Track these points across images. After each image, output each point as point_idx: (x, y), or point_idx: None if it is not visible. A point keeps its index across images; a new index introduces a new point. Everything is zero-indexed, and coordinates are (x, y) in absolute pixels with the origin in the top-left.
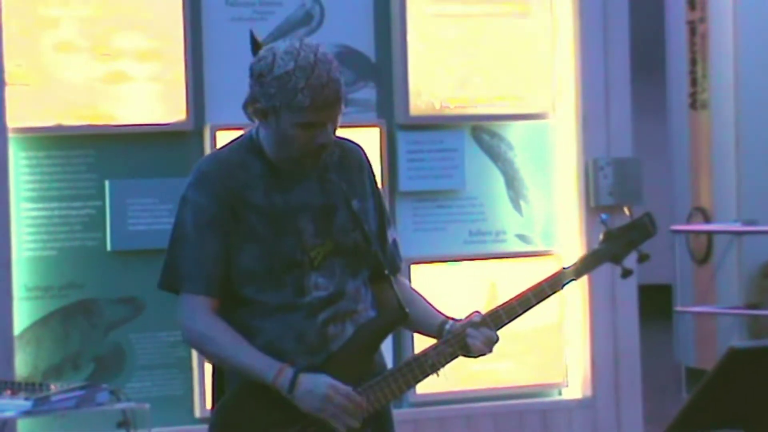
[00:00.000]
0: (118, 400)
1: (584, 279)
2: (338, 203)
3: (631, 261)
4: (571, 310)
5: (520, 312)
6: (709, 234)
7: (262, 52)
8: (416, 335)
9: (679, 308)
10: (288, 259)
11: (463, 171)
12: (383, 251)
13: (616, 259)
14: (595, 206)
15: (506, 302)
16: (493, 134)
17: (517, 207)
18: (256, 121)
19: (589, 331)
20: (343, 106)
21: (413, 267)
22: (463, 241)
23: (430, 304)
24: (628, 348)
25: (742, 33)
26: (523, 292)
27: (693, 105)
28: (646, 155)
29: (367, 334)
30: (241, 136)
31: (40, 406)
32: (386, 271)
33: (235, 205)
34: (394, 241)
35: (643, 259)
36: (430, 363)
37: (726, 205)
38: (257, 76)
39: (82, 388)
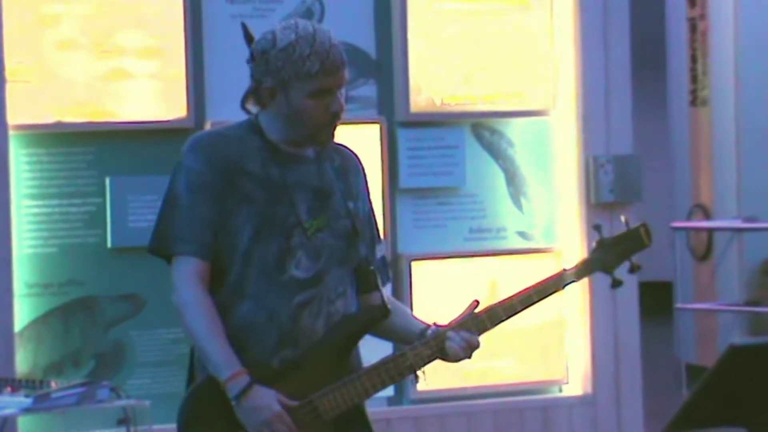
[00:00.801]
0: (119, 397)
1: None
2: (334, 191)
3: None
4: (572, 307)
5: (504, 317)
6: (710, 231)
7: (260, 35)
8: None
9: (679, 305)
10: (280, 221)
11: (463, 168)
12: (372, 259)
13: (608, 269)
14: (595, 203)
15: (490, 306)
16: (494, 131)
17: (517, 204)
18: (255, 113)
19: (590, 328)
20: (348, 72)
21: (414, 264)
22: (464, 238)
23: (414, 316)
24: (628, 345)
25: (743, 30)
26: (510, 297)
27: (693, 102)
28: (646, 152)
29: (345, 328)
30: (240, 120)
31: (41, 403)
32: (372, 267)
33: (230, 171)
34: (383, 258)
35: (635, 269)
36: (408, 364)
37: (726, 202)
38: (261, 54)
39: (82, 385)
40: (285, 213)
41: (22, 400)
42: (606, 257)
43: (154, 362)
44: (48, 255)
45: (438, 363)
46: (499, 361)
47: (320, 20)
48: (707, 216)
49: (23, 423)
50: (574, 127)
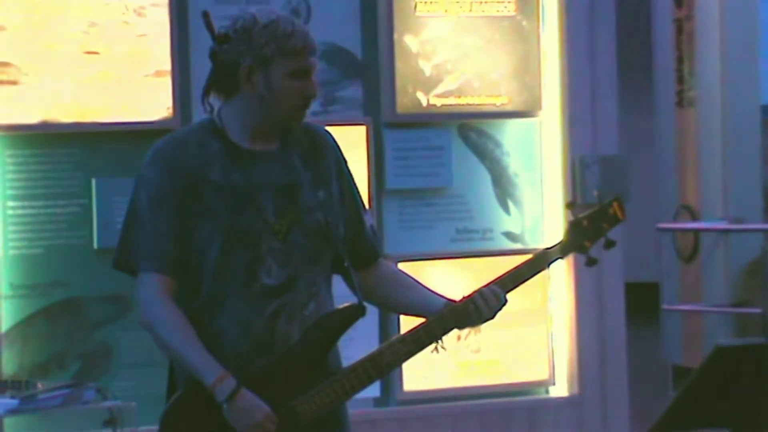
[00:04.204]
0: (105, 398)
1: (571, 277)
2: (302, 184)
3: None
4: (558, 307)
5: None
6: (696, 232)
7: (234, 18)
8: (407, 318)
9: (666, 306)
10: (246, 230)
11: (450, 169)
12: (360, 236)
13: (583, 249)
14: (581, 204)
15: (469, 295)
16: (480, 132)
17: (504, 205)
18: (216, 109)
19: (576, 329)
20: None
21: (400, 265)
22: (450, 239)
23: (428, 288)
24: (614, 346)
25: (729, 31)
26: (486, 285)
27: (680, 103)
28: (632, 153)
29: (320, 332)
30: (200, 120)
31: (27, 404)
32: (347, 263)
33: (192, 182)
34: (372, 227)
35: (609, 245)
36: (386, 362)
37: (712, 203)
38: (243, 32)
39: (68, 386)
40: (251, 220)
41: (8, 401)
42: (581, 237)
43: (140, 363)
44: (34, 256)
45: (432, 362)
46: (485, 362)
47: (306, 21)
48: (693, 217)
49: (9, 424)
50: (561, 128)
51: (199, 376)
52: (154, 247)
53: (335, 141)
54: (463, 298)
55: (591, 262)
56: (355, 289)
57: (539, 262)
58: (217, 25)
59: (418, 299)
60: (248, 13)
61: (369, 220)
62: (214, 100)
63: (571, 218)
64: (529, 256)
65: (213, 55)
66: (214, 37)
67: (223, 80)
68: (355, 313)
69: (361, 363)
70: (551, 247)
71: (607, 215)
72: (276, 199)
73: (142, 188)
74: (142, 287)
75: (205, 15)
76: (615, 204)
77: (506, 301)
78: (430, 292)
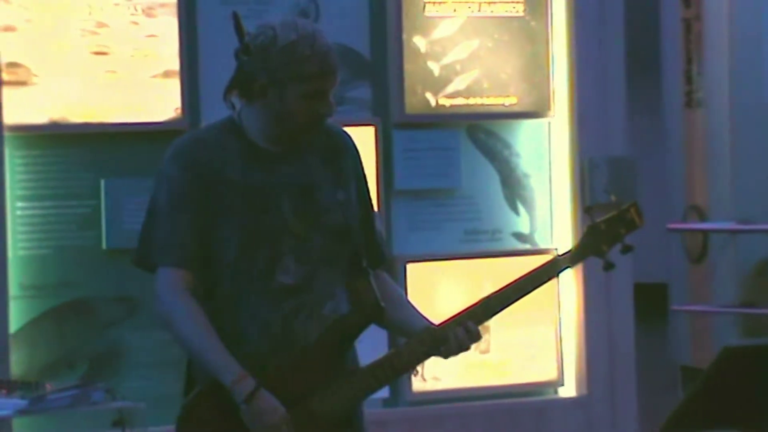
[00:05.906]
0: (114, 399)
1: (579, 278)
2: (320, 184)
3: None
4: (566, 308)
5: (498, 308)
6: (705, 232)
7: (257, 29)
8: None
9: (674, 307)
10: (264, 229)
11: (458, 170)
12: (369, 239)
13: (600, 254)
14: (598, 206)
15: (483, 298)
16: (489, 133)
17: (512, 206)
18: (238, 108)
19: (585, 329)
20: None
21: (409, 266)
22: (459, 240)
23: (414, 307)
24: (623, 346)
25: (737, 31)
26: (504, 287)
27: (688, 103)
28: (641, 153)
29: (339, 330)
30: (221, 119)
31: (36, 405)
32: (364, 263)
33: (211, 180)
34: (380, 232)
35: (626, 250)
36: (404, 362)
37: (721, 204)
38: (260, 51)
39: (77, 387)
40: (270, 220)
41: (17, 401)
42: (598, 241)
43: (149, 364)
44: (42, 257)
45: (441, 362)
46: (493, 363)
47: (315, 21)
48: (702, 218)
49: (18, 424)
50: (569, 129)
51: (217, 374)
52: (174, 242)
53: (354, 143)
54: (442, 322)
55: (608, 266)
56: (374, 291)
57: (553, 268)
58: (246, 27)
59: (403, 318)
60: (270, 28)
61: (378, 225)
62: (236, 99)
63: (589, 222)
64: (538, 257)
65: (237, 57)
66: (241, 38)
67: (242, 86)
68: (374, 313)
69: (379, 362)
70: (564, 254)
71: (625, 220)
72: (295, 199)
73: (162, 186)
74: (162, 280)
75: (235, 16)
76: (633, 209)
77: (479, 338)
78: (415, 313)
